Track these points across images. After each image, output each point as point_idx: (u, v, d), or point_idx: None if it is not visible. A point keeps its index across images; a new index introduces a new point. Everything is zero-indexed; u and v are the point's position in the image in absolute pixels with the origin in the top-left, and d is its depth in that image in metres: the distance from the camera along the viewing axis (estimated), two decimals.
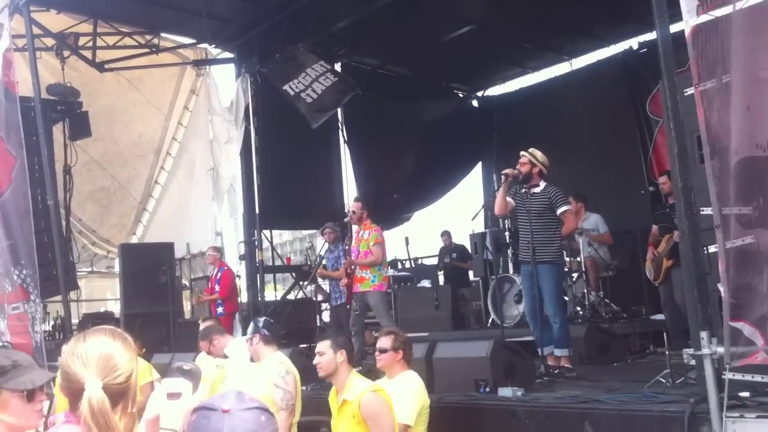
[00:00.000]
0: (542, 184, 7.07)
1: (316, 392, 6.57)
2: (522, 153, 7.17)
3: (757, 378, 4.23)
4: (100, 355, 2.02)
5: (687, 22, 4.49)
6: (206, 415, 1.89)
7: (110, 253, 14.03)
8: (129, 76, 13.04)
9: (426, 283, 11.65)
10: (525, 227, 6.99)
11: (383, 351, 5.17)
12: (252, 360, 5.86)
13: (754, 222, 4.16)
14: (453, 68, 15.23)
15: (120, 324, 10.81)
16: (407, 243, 13.12)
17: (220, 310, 11.05)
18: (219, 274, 11.24)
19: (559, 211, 6.99)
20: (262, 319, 5.89)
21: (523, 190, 7.05)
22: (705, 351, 4.25)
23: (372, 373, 6.28)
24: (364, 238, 8.69)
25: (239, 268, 12.11)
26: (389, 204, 14.11)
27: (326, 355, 4.77)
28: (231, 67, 13.73)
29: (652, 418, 4.65)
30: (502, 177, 7.17)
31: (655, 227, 8.30)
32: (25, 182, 8.74)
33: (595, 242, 9.80)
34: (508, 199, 7.11)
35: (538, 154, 7.12)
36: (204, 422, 1.87)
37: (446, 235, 13.17)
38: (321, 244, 10.20)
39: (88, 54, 12.26)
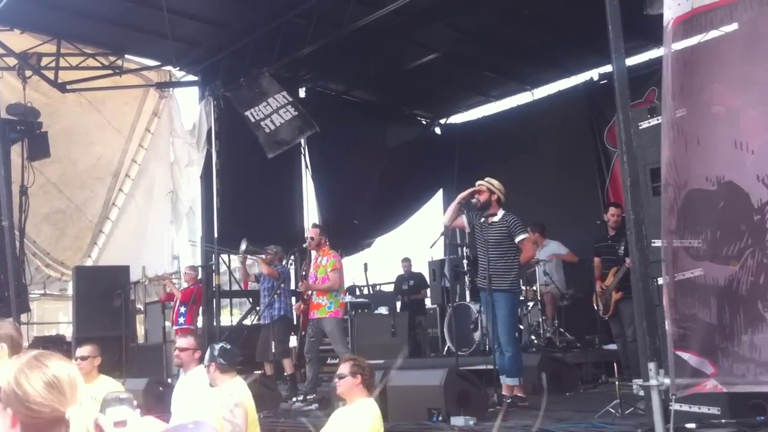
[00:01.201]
0: (500, 213, 7.11)
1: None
2: (479, 182, 7.22)
3: (704, 409, 4.28)
4: (70, 380, 1.96)
5: (668, 48, 4.53)
6: None
7: (64, 276, 13.78)
8: (91, 97, 12.91)
9: (383, 310, 11.61)
10: (482, 256, 7.01)
11: (342, 377, 5.13)
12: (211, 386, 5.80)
13: (702, 255, 4.23)
14: (417, 95, 15.34)
15: (72, 347, 10.62)
16: (366, 269, 13.10)
17: (181, 320, 11.10)
18: (193, 288, 11.39)
19: (518, 239, 7.03)
20: (218, 347, 5.78)
21: (482, 219, 7.08)
22: (652, 382, 4.28)
23: (327, 400, 6.25)
24: (322, 264, 8.66)
25: None
26: (350, 230, 14.08)
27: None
28: (194, 90, 13.66)
29: None
30: (458, 196, 7.24)
31: (597, 259, 8.20)
32: None
33: (559, 263, 9.88)
34: (462, 217, 7.18)
35: (495, 182, 7.17)
36: None
37: (407, 261, 13.10)
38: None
39: (50, 74, 12.12)
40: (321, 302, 8.50)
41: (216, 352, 5.60)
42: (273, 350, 8.86)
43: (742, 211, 4.12)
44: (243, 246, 9.67)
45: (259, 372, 9.04)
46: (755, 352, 3.99)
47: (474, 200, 7.09)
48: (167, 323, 12.15)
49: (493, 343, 7.02)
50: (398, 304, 12.74)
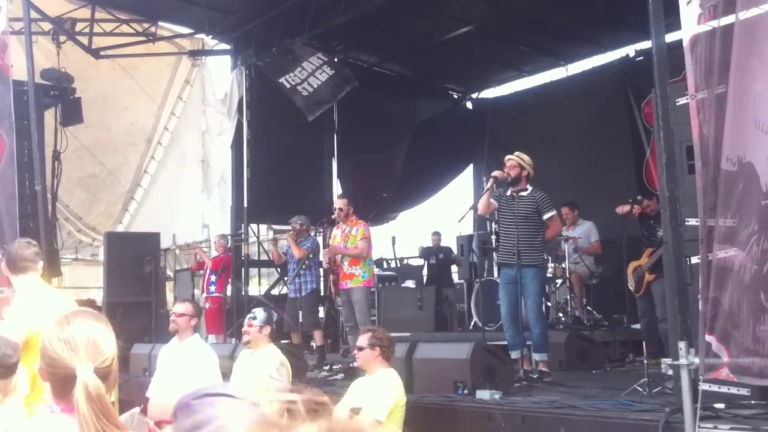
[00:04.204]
0: (529, 188, 7.06)
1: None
2: (509, 157, 7.17)
3: (733, 390, 4.23)
4: (88, 339, 1.98)
5: (686, 31, 4.47)
6: (219, 401, 1.84)
7: (95, 241, 13.90)
8: (124, 63, 12.95)
9: (410, 284, 11.62)
10: (510, 230, 6.95)
11: (361, 349, 5.20)
12: (247, 345, 5.93)
13: (730, 237, 4.15)
14: (449, 69, 15.25)
15: (102, 312, 10.75)
16: (393, 243, 13.10)
17: (212, 288, 11.32)
18: (222, 257, 11.51)
19: (546, 216, 6.99)
20: (270, 312, 5.97)
21: (509, 193, 7.03)
22: (682, 361, 4.24)
23: (353, 370, 6.30)
24: (351, 234, 8.65)
25: None
26: (378, 202, 14.09)
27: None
28: (227, 59, 13.71)
29: (627, 426, 4.64)
30: (491, 179, 7.15)
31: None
32: (13, 166, 8.66)
33: (588, 241, 9.81)
34: (492, 200, 7.09)
35: (525, 157, 7.11)
36: (219, 408, 1.81)
37: (437, 235, 13.05)
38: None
39: (84, 40, 12.19)
40: (354, 272, 8.51)
41: (274, 317, 5.78)
42: (301, 320, 8.91)
43: (755, 194, 4.03)
44: (270, 233, 9.70)
45: (287, 341, 9.11)
46: (759, 344, 3.91)
47: (504, 175, 7.04)
48: (196, 291, 12.27)
49: (509, 317, 6.96)
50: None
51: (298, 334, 9.25)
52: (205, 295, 11.54)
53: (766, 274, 3.92)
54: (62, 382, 1.94)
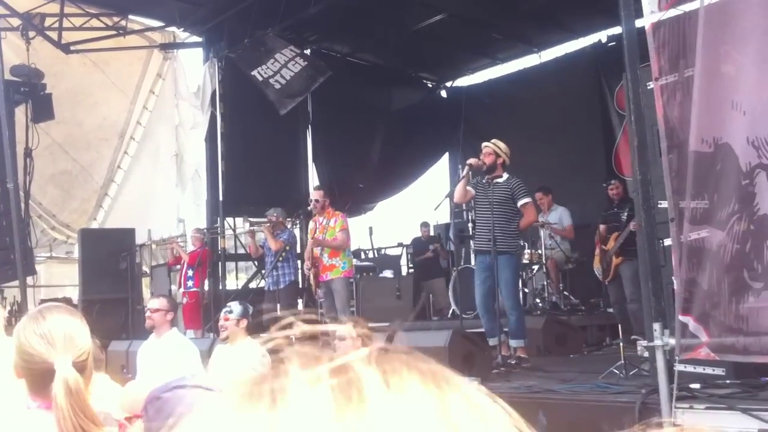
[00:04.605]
0: (505, 175, 7.07)
1: None
2: (485, 144, 7.18)
3: (708, 370, 4.28)
4: (65, 333, 1.95)
5: (647, 17, 4.51)
6: (190, 393, 1.81)
7: (69, 239, 13.77)
8: (95, 58, 12.79)
9: (388, 273, 11.61)
10: (485, 217, 6.97)
11: (342, 339, 5.15)
12: (224, 341, 5.88)
13: (705, 218, 4.19)
14: (423, 58, 15.23)
15: (78, 310, 10.66)
16: (371, 233, 13.08)
17: (189, 283, 11.17)
18: (199, 251, 11.37)
19: (520, 203, 7.00)
20: (249, 306, 5.91)
21: (485, 180, 7.04)
22: (657, 342, 4.27)
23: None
24: (330, 226, 8.64)
25: None
26: (353, 193, 14.07)
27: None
28: (199, 52, 13.61)
29: (604, 408, 4.68)
30: (466, 167, 7.15)
31: (602, 226, 8.32)
32: None
33: (557, 236, 9.85)
34: (468, 188, 7.10)
35: (502, 144, 7.13)
36: (190, 400, 1.76)
37: (426, 227, 12.71)
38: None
39: (53, 35, 12.03)
40: (335, 263, 8.53)
41: (250, 310, 5.71)
42: (278, 313, 8.88)
43: (733, 174, 4.06)
44: (246, 226, 9.66)
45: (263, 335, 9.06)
46: (742, 322, 3.95)
47: (479, 162, 7.05)
48: (173, 286, 12.20)
49: (483, 304, 6.99)
50: (403, 268, 12.72)
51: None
52: (182, 290, 11.45)
53: (748, 252, 3.96)
54: (39, 377, 1.92)
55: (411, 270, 13.19)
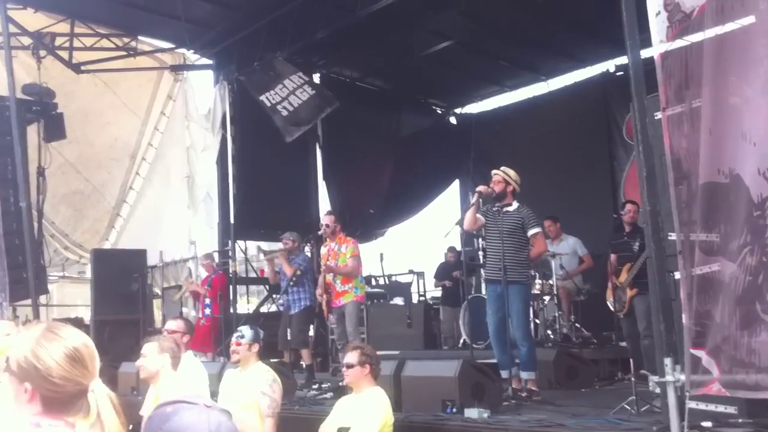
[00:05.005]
0: (515, 204, 7.04)
1: None
2: (495, 171, 7.14)
3: (720, 408, 4.23)
4: (90, 354, 1.93)
5: (656, 47, 4.51)
6: (187, 407, 1.79)
7: (82, 258, 13.81)
8: (105, 78, 12.90)
9: (399, 301, 11.55)
10: (496, 246, 6.92)
11: (350, 366, 5.13)
12: (236, 364, 5.86)
13: (716, 249, 4.16)
14: (431, 84, 15.27)
15: (90, 330, 10.67)
16: (381, 259, 13.02)
17: (207, 311, 10.95)
18: (212, 277, 11.20)
19: (530, 232, 6.95)
20: (260, 330, 5.92)
21: (495, 208, 7.02)
22: (669, 378, 4.22)
23: (341, 389, 6.28)
24: (341, 252, 8.62)
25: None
26: (364, 218, 14.06)
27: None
28: (209, 74, 13.71)
29: None
30: (476, 194, 7.13)
31: (613, 256, 8.12)
32: None
33: (575, 257, 9.78)
34: (478, 215, 7.08)
35: (511, 172, 7.10)
36: (187, 414, 1.77)
37: (452, 251, 12.20)
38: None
39: (64, 54, 12.15)
40: (347, 289, 8.52)
41: (261, 335, 5.72)
42: (289, 338, 8.90)
43: (745, 206, 4.05)
44: (260, 255, 9.66)
45: (277, 360, 9.05)
46: (754, 356, 3.90)
47: (489, 190, 7.03)
48: (185, 309, 12.17)
49: (496, 335, 6.93)
50: (414, 295, 12.61)
51: (290, 352, 9.21)
52: (200, 316, 11.27)
53: (761, 285, 3.93)
54: (67, 399, 1.88)
55: (422, 298, 13.12)
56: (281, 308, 9.53)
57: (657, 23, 4.49)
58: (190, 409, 1.79)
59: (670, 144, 4.43)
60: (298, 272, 8.93)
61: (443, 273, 12.16)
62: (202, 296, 11.24)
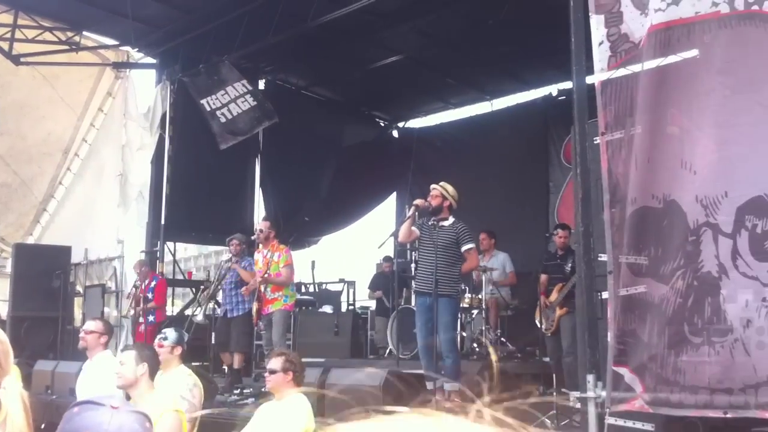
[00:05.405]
0: (451, 219, 7.11)
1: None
2: (434, 186, 7.22)
3: (638, 425, 4.31)
4: (7, 351, 1.95)
5: (597, 74, 4.63)
6: (92, 408, 1.79)
7: (3, 252, 13.45)
8: (45, 72, 12.59)
9: (327, 309, 11.51)
10: (429, 259, 6.98)
11: (273, 372, 5.08)
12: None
13: (645, 272, 4.26)
14: (377, 97, 15.35)
15: (6, 326, 10.35)
16: (313, 267, 12.97)
17: (151, 318, 10.50)
18: (153, 283, 10.76)
19: (464, 248, 7.03)
20: (185, 332, 5.84)
21: (431, 222, 7.07)
22: (590, 394, 4.30)
23: (263, 394, 6.20)
24: (274, 260, 8.58)
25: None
26: (299, 225, 13.99)
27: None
28: (152, 73, 13.46)
29: None
30: (413, 207, 7.18)
31: (544, 276, 8.29)
32: None
33: (504, 273, 9.90)
34: (414, 228, 7.12)
35: (450, 188, 7.18)
36: (89, 414, 1.77)
37: (389, 261, 11.87)
38: (226, 257, 9.79)
39: (4, 45, 11.80)
40: (277, 297, 8.51)
41: (185, 338, 5.64)
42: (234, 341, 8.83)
43: (680, 231, 4.17)
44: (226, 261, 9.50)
45: (198, 363, 8.91)
46: (680, 375, 4.02)
47: (426, 204, 7.09)
48: (107, 308, 11.87)
49: (425, 347, 6.96)
50: (342, 304, 12.58)
51: (229, 354, 9.04)
52: (141, 321, 10.53)
53: (690, 307, 4.04)
54: None
55: (351, 307, 13.10)
56: (219, 312, 9.41)
57: (599, 52, 4.63)
58: (95, 410, 1.79)
59: (608, 168, 4.54)
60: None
61: (378, 283, 12.18)
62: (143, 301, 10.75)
